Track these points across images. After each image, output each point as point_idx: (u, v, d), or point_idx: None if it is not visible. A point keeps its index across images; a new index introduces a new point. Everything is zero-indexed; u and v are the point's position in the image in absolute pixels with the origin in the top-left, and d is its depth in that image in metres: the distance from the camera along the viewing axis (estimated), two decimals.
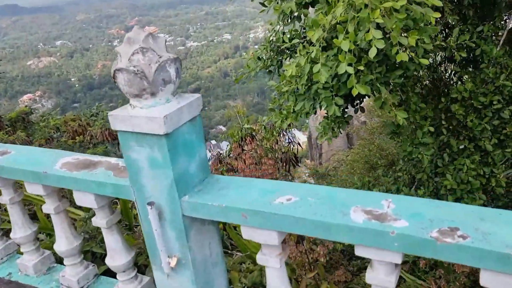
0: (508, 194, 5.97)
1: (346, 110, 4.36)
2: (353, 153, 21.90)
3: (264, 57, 4.76)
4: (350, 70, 2.74)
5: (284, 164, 6.81)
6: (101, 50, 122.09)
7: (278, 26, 4.48)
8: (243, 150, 6.54)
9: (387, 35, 2.82)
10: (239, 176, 6.27)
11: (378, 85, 3.63)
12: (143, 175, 1.75)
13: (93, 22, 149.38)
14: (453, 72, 5.77)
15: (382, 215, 1.46)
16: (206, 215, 1.74)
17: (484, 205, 5.34)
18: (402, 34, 2.97)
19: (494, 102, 4.75)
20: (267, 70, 4.91)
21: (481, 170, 4.91)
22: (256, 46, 4.98)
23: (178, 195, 1.71)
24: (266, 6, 4.42)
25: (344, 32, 2.74)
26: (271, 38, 4.63)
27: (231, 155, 6.56)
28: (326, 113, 4.08)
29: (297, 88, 3.88)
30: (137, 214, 2.28)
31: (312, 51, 3.20)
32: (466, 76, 5.18)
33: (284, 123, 4.61)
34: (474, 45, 4.66)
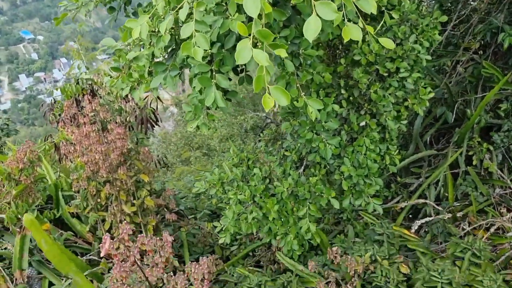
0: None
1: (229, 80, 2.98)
2: None
3: None
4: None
5: (140, 125, 5.26)
6: None
7: None
8: (81, 109, 4.76)
9: None
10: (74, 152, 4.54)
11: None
12: None
13: None
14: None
15: None
16: None
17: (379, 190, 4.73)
18: None
19: (401, 70, 3.90)
20: (108, 7, 3.19)
21: (377, 148, 4.17)
22: None
23: None
24: None
25: None
26: None
27: (63, 116, 4.73)
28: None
29: (153, 55, 2.35)
30: None
31: None
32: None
33: (135, 92, 3.08)
34: None
